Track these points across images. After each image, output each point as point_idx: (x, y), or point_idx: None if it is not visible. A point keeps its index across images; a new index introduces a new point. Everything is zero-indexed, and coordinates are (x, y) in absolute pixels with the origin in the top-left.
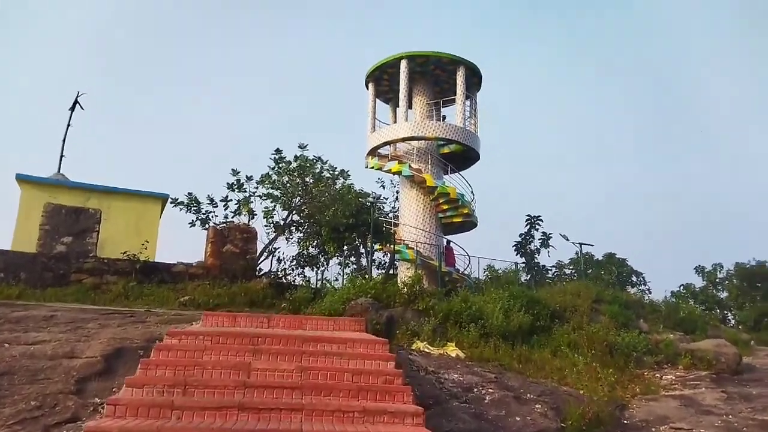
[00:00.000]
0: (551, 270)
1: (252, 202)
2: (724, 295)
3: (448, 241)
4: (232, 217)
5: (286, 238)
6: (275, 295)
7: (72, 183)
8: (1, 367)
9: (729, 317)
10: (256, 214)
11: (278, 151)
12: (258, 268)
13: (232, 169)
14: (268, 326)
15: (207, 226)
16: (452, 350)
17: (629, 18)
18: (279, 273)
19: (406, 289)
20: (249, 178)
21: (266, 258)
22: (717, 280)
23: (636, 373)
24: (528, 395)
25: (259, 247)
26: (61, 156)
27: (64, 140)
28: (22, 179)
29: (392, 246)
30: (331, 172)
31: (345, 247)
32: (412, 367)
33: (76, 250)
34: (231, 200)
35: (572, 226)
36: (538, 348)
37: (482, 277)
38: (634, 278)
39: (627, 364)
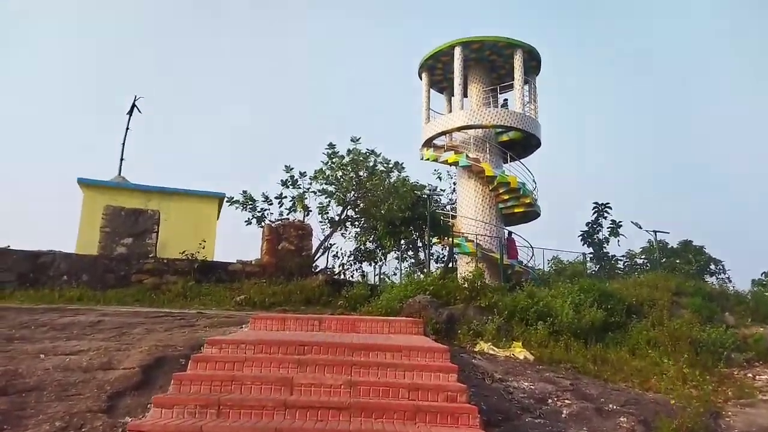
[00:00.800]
0: (621, 260)
1: (306, 198)
2: None
3: (510, 233)
4: (287, 214)
5: (342, 234)
6: (331, 292)
7: (132, 185)
8: (31, 382)
9: None
10: (311, 210)
11: (331, 145)
12: (314, 265)
13: (286, 166)
14: (319, 329)
15: (262, 224)
16: (519, 351)
17: None
18: (335, 270)
19: (466, 285)
20: (302, 174)
21: (322, 254)
22: None
23: (725, 373)
24: (610, 405)
25: (315, 243)
26: (121, 159)
27: (123, 144)
28: (83, 183)
29: (451, 239)
30: (385, 165)
31: (402, 242)
32: (476, 374)
33: (136, 251)
34: (285, 197)
35: (643, 214)
36: (614, 347)
37: (547, 269)
38: (712, 266)
39: (715, 363)
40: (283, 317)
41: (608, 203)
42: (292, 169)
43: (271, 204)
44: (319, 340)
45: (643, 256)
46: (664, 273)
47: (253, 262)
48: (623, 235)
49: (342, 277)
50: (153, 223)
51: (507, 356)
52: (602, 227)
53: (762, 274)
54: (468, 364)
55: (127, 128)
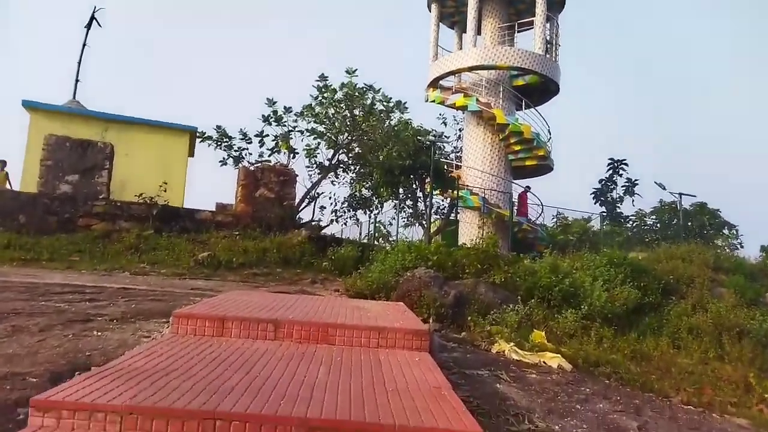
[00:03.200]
0: (630, 220)
1: (292, 138)
2: None
3: (528, 188)
4: (269, 156)
5: (332, 182)
6: (315, 251)
7: (87, 111)
8: None
9: None
10: (297, 153)
11: (323, 77)
12: (297, 217)
13: (268, 99)
14: (274, 337)
15: (240, 165)
16: (552, 358)
17: None
18: (321, 223)
19: (475, 254)
20: (288, 110)
21: (307, 205)
22: None
23: None
24: None
25: (300, 191)
26: (76, 81)
27: (79, 62)
28: (29, 106)
29: (457, 192)
30: (384, 103)
31: (400, 191)
32: (504, 414)
33: (84, 191)
34: (267, 136)
35: (659, 174)
36: (651, 335)
37: (550, 226)
38: (725, 231)
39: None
40: (222, 317)
41: (624, 160)
42: (275, 102)
43: (250, 143)
44: (265, 375)
45: (653, 217)
46: (699, 244)
47: (224, 211)
48: (638, 194)
49: (329, 233)
50: (104, 158)
51: (536, 363)
52: (617, 185)
53: None
54: (491, 394)
55: (84, 44)
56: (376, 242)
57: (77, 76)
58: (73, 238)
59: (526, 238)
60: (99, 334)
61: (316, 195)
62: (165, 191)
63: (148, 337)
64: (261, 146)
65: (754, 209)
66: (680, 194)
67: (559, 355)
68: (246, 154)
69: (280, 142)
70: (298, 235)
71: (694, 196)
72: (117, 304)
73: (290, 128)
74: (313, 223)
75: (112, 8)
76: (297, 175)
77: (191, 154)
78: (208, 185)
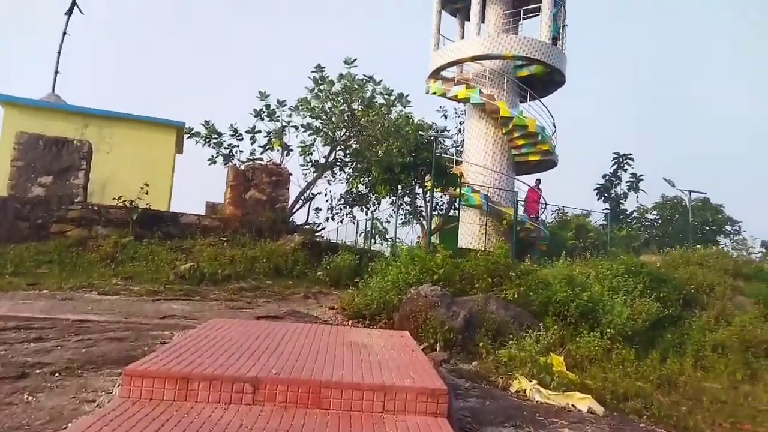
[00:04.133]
0: (631, 216)
1: (285, 134)
2: None
3: (538, 181)
4: (261, 153)
5: (328, 181)
6: (309, 259)
7: (67, 106)
8: None
9: None
10: (291, 150)
11: (319, 67)
12: (291, 220)
13: (260, 92)
14: (252, 401)
15: (230, 163)
16: (581, 400)
17: None
18: (316, 225)
19: (485, 265)
20: (281, 104)
21: (302, 206)
22: None
23: None
24: None
25: (294, 191)
26: (56, 73)
27: (59, 53)
28: (4, 101)
29: (459, 190)
30: (385, 96)
31: (399, 189)
32: None
33: (58, 194)
34: (259, 132)
35: (664, 170)
36: (674, 355)
37: (550, 222)
38: (728, 227)
39: None
40: (186, 377)
41: (630, 154)
42: (268, 96)
43: (241, 139)
44: None
45: (655, 212)
46: (717, 248)
47: (211, 215)
48: (643, 190)
49: (324, 235)
50: (81, 158)
51: (564, 406)
52: (621, 181)
53: None
54: None
55: (65, 32)
56: (373, 240)
57: (56, 67)
58: (44, 246)
59: (528, 237)
60: (29, 399)
61: (311, 195)
62: (147, 193)
63: (93, 402)
64: (253, 143)
65: (754, 201)
66: (690, 191)
67: (588, 396)
68: (236, 152)
69: (273, 139)
70: (291, 240)
71: (704, 193)
72: (66, 346)
73: (284, 124)
74: (308, 227)
75: None
76: (291, 174)
77: (180, 150)
78: (199, 182)
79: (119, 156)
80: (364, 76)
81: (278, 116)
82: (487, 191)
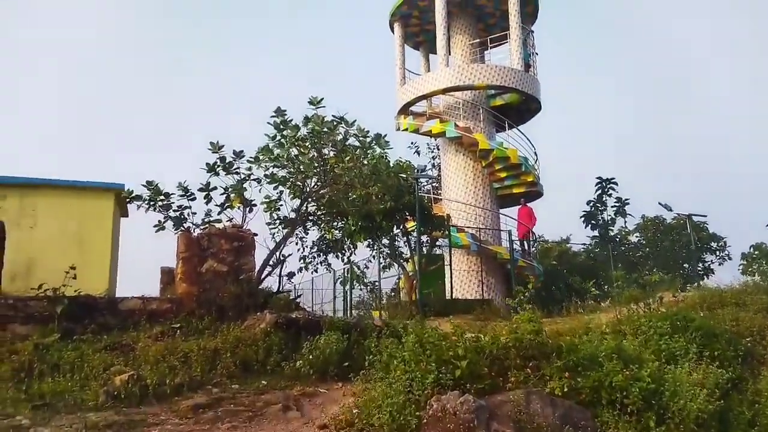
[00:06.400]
0: (616, 240)
1: (246, 189)
2: None
3: (524, 202)
4: (219, 214)
5: (300, 238)
6: (286, 342)
7: None
8: None
9: None
10: (255, 205)
11: (280, 111)
12: (260, 289)
13: (212, 143)
14: None
15: (181, 228)
16: None
17: None
18: (292, 295)
19: (515, 345)
20: (239, 155)
21: (271, 272)
22: None
23: None
24: None
25: (262, 255)
26: None
27: None
28: None
29: (448, 233)
30: (361, 138)
31: (380, 236)
32: None
33: None
34: (215, 188)
35: (646, 191)
36: None
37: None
38: (713, 244)
39: None
40: None
41: (613, 179)
42: (222, 147)
43: (194, 199)
44: None
45: (637, 234)
46: (757, 281)
47: (159, 297)
48: (631, 214)
49: (301, 309)
50: None
51: None
52: (606, 206)
53: (750, 248)
54: None
55: None
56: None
57: None
58: None
59: (521, 273)
60: None
61: (282, 258)
62: (74, 278)
63: None
64: (207, 202)
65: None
66: (689, 215)
67: None
68: (189, 214)
69: (232, 196)
70: (261, 320)
71: (705, 216)
72: None
73: (244, 177)
74: (281, 296)
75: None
76: (256, 235)
77: (125, 214)
78: (156, 244)
79: (46, 231)
80: (334, 117)
81: (236, 168)
82: (479, 233)
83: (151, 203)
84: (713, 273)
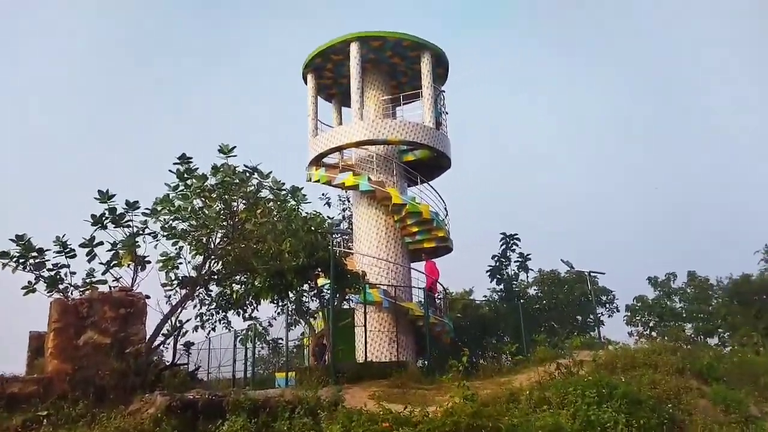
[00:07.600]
0: (516, 293)
1: (139, 245)
2: (678, 305)
3: (426, 258)
4: (104, 273)
5: (201, 301)
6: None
7: None
8: None
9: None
10: (148, 263)
11: (185, 158)
12: (151, 365)
13: (100, 192)
14: None
15: (58, 289)
16: None
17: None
18: (191, 367)
19: (450, 429)
20: (132, 206)
21: (164, 342)
22: (671, 290)
23: None
24: None
25: (155, 321)
26: None
27: None
28: None
29: (363, 291)
30: (275, 191)
31: (290, 294)
32: None
33: None
34: (100, 244)
35: (544, 246)
36: None
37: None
38: (603, 298)
39: None
40: None
41: (516, 234)
42: (113, 196)
43: (74, 256)
44: None
45: (535, 287)
46: (665, 339)
47: (25, 377)
48: (532, 269)
49: (201, 384)
50: None
51: None
52: (510, 261)
53: (633, 299)
54: None
55: None
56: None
57: None
58: None
59: (432, 330)
60: None
61: (179, 324)
62: None
63: None
64: (90, 260)
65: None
66: (590, 272)
67: None
68: (66, 274)
69: (121, 252)
70: (150, 404)
71: (603, 273)
72: None
73: (137, 230)
74: (177, 369)
75: None
76: (148, 297)
77: None
78: (29, 304)
79: None
80: (247, 167)
81: (128, 221)
82: (394, 291)
83: (20, 261)
84: (603, 324)
